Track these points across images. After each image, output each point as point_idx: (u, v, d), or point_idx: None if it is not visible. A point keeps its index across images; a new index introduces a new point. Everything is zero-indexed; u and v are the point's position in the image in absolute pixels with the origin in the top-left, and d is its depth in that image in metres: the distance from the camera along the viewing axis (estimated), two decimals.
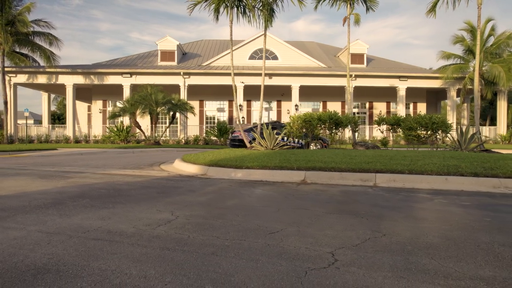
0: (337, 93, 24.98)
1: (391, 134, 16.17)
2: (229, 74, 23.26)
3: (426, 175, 6.00)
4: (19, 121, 27.52)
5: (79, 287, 1.89)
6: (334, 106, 26.38)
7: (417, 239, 2.79)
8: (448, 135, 10.05)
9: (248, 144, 11.19)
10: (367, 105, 26.52)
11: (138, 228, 3.07)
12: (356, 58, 26.49)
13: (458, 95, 24.52)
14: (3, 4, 18.90)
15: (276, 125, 13.50)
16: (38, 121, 43.53)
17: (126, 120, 21.79)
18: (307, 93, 25.08)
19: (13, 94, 21.39)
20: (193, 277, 2.03)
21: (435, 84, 23.50)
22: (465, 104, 26.94)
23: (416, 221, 3.40)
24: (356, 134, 22.78)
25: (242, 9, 11.06)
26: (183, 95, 23.03)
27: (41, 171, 7.47)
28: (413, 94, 25.48)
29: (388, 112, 26.10)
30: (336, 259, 2.34)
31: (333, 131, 10.51)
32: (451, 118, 23.32)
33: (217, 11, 11.03)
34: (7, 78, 20.73)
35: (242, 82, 23.35)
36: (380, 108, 26.07)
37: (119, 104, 22.70)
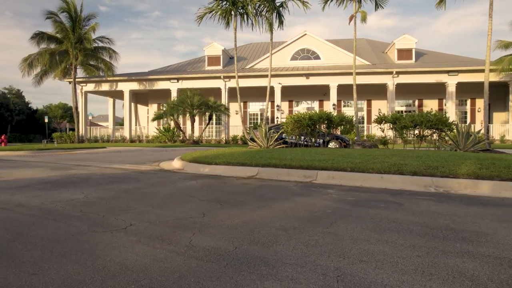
0: (382, 91, 24.00)
1: (392, 133, 15.34)
2: (266, 76, 24.08)
3: (367, 173, 6.12)
4: (98, 122, 31.87)
5: None
6: (379, 104, 25.44)
7: (222, 221, 3.34)
8: (451, 133, 9.44)
9: (249, 143, 11.94)
10: (416, 102, 24.93)
11: (43, 203, 4.16)
12: (403, 53, 25.10)
13: None
14: (74, 26, 22.54)
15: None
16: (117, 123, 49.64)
17: (173, 122, 24.06)
18: (350, 91, 24.58)
19: (83, 101, 25.25)
20: (11, 230, 3.00)
21: (494, 77, 21.10)
22: None
23: (259, 209, 3.88)
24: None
25: (245, 17, 11.85)
26: (224, 97, 24.55)
27: (62, 164, 9.27)
28: (471, 90, 23.24)
29: (441, 109, 24.20)
30: (125, 228, 3.09)
31: (330, 130, 10.67)
32: None
33: (224, 18, 12.02)
34: (79, 87, 24.60)
35: (280, 83, 23.94)
36: (431, 105, 24.30)
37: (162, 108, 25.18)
